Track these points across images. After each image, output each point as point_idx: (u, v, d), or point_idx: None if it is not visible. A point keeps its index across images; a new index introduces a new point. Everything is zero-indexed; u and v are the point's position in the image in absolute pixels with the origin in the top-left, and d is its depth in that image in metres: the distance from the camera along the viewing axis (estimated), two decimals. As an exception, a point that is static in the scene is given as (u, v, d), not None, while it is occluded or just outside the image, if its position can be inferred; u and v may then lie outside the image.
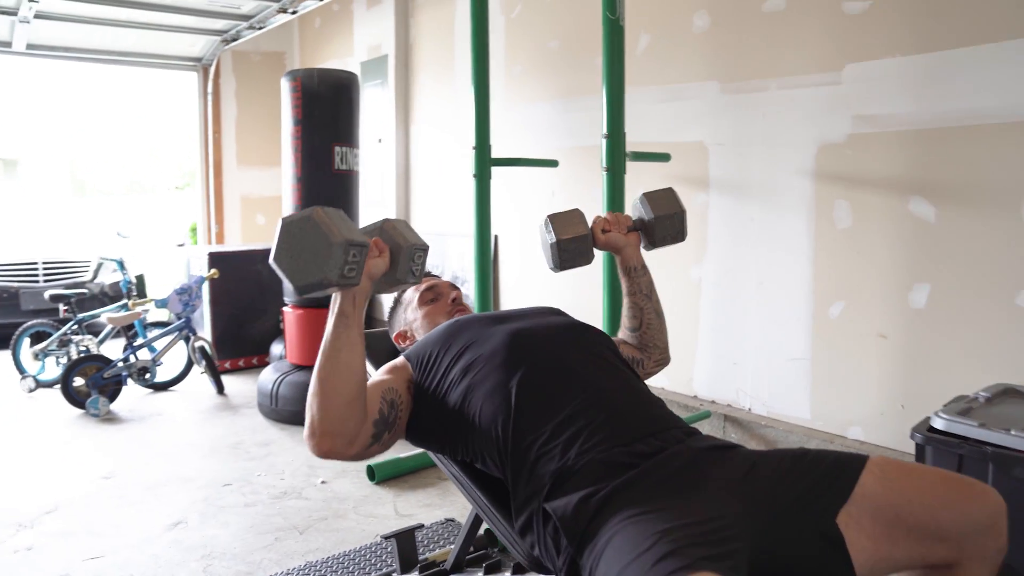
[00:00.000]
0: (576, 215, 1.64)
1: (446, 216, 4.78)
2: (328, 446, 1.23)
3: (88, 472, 3.04)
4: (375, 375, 1.45)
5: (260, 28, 4.93)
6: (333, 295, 1.25)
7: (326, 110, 3.68)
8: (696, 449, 1.26)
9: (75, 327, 4.29)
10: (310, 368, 3.67)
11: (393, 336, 1.76)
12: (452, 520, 2.56)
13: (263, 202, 6.44)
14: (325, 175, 3.69)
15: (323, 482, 2.91)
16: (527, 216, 4.13)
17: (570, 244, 1.60)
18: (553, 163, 3.30)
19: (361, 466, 3.03)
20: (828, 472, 1.17)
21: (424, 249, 1.37)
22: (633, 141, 2.86)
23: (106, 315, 4.11)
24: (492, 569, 2.05)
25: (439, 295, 1.74)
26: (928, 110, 2.46)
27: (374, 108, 5.22)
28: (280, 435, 3.51)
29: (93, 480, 2.96)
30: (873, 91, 2.60)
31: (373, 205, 5.20)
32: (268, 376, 3.76)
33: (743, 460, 1.24)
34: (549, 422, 1.27)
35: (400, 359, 1.51)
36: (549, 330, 1.48)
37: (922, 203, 2.50)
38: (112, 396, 3.89)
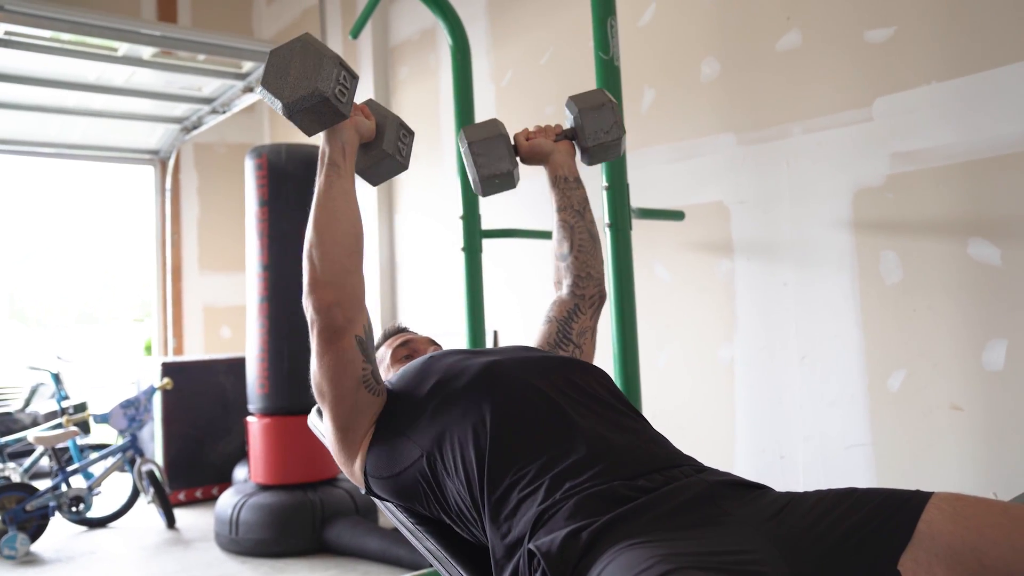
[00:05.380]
0: (493, 122, 1.70)
1: (441, 314, 4.75)
2: (332, 297, 1.33)
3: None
4: None
5: (224, 112, 5.10)
6: (320, 148, 1.40)
7: (296, 190, 3.73)
8: (712, 482, 1.22)
9: (-7, 454, 4.18)
10: (278, 488, 3.57)
11: None
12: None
13: (230, 312, 6.42)
14: (296, 263, 3.69)
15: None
16: (531, 308, 4.09)
17: (484, 147, 1.63)
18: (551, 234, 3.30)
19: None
20: (881, 507, 1.10)
21: (411, 132, 1.53)
22: (644, 207, 2.87)
23: (32, 435, 3.96)
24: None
25: (415, 351, 1.72)
26: (975, 139, 2.47)
27: (353, 196, 5.30)
28: (241, 569, 3.32)
29: (8, 631, 2.78)
30: (909, 124, 2.62)
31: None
32: (228, 500, 3.61)
33: (773, 500, 1.19)
34: (532, 462, 1.24)
35: None
36: (531, 363, 1.45)
37: (983, 244, 2.46)
38: (35, 534, 3.71)
